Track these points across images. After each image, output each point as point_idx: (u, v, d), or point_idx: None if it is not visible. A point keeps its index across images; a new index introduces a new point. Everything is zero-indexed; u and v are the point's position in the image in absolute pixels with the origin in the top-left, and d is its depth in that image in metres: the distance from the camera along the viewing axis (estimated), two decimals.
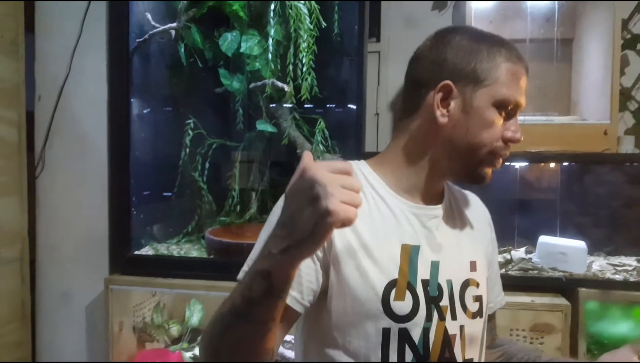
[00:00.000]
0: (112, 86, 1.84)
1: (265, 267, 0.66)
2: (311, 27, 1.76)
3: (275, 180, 2.02)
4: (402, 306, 0.85)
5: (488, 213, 1.08)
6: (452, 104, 0.87)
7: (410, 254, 0.88)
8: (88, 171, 1.88)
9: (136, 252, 1.88)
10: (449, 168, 0.91)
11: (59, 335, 1.96)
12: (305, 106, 1.93)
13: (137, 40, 1.84)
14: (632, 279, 1.72)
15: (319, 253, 0.85)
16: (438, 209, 0.94)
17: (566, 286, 1.71)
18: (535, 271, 1.76)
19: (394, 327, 0.84)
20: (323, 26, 1.80)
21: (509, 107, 0.87)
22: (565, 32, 1.99)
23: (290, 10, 1.75)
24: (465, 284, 0.92)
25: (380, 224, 0.88)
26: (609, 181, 2.00)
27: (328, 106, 1.98)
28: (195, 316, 1.97)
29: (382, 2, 2.17)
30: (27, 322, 1.91)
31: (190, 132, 1.91)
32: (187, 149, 1.92)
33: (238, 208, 1.95)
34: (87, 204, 1.88)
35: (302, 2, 1.74)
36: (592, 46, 1.89)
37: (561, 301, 1.67)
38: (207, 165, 1.95)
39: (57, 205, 1.90)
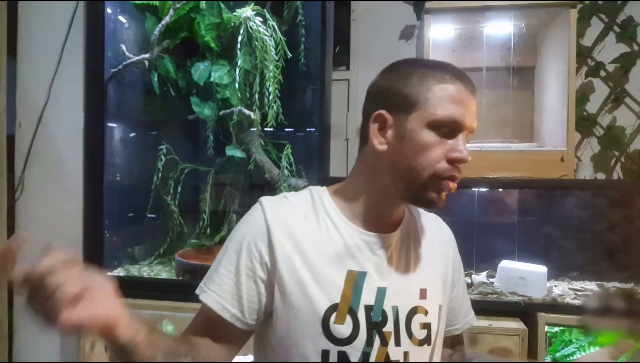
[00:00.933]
0: (87, 113, 1.92)
1: None
2: (276, 58, 1.84)
3: (246, 202, 2.08)
4: (341, 329, 0.87)
5: (452, 236, 1.08)
6: (389, 131, 0.89)
7: (355, 280, 0.90)
8: (64, 194, 1.95)
9: (108, 274, 1.94)
10: (397, 193, 0.91)
11: (35, 352, 2.02)
12: (275, 131, 1.99)
13: (112, 70, 1.93)
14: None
15: (262, 274, 0.90)
16: (390, 237, 0.95)
17: (525, 311, 1.73)
18: (495, 296, 1.79)
19: (333, 349, 0.87)
20: (289, 57, 1.88)
21: (447, 128, 0.86)
22: (527, 60, 2.04)
23: (256, 42, 1.83)
24: (413, 311, 0.93)
25: (329, 251, 0.91)
26: (575, 206, 2.03)
27: (296, 131, 2.05)
28: None
29: (352, 32, 2.26)
30: (5, 340, 1.97)
31: (162, 157, 1.99)
32: (160, 174, 1.99)
33: (208, 230, 2.01)
34: (63, 226, 1.95)
35: (268, 35, 1.81)
36: (551, 73, 1.94)
37: (518, 325, 1.69)
38: (179, 189, 2.02)
39: (35, 227, 1.98)
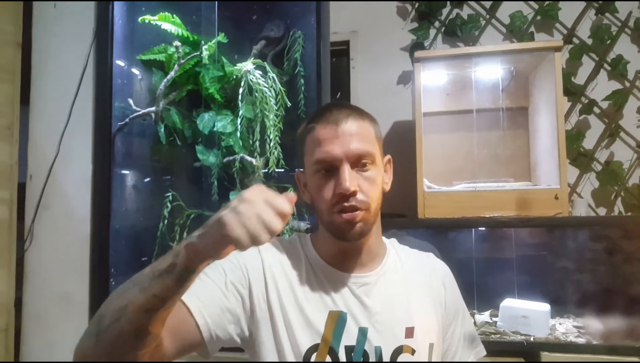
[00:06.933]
0: (95, 164, 1.99)
1: (179, 247, 0.73)
2: (276, 107, 1.91)
3: None
4: None
5: (446, 276, 1.08)
6: (307, 184, 1.00)
7: (336, 321, 0.93)
8: (73, 243, 1.99)
9: None
10: (330, 232, 0.97)
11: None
12: (278, 175, 2.05)
13: (119, 123, 2.01)
14: (594, 342, 1.73)
15: (248, 301, 0.93)
16: (368, 277, 0.99)
17: (528, 351, 1.72)
18: (497, 336, 1.78)
19: None
20: (289, 105, 1.95)
21: (326, 166, 0.93)
22: (519, 101, 2.10)
23: (256, 94, 1.91)
24: (398, 351, 0.94)
25: (312, 294, 0.96)
26: (573, 243, 2.04)
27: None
28: None
29: (351, 79, 2.35)
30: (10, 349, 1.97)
31: (169, 204, 2.04)
32: (166, 221, 2.04)
33: None
34: (71, 274, 1.98)
35: (267, 86, 1.90)
36: (543, 113, 1.99)
37: None
38: (184, 234, 2.06)
39: (44, 276, 2.02)
